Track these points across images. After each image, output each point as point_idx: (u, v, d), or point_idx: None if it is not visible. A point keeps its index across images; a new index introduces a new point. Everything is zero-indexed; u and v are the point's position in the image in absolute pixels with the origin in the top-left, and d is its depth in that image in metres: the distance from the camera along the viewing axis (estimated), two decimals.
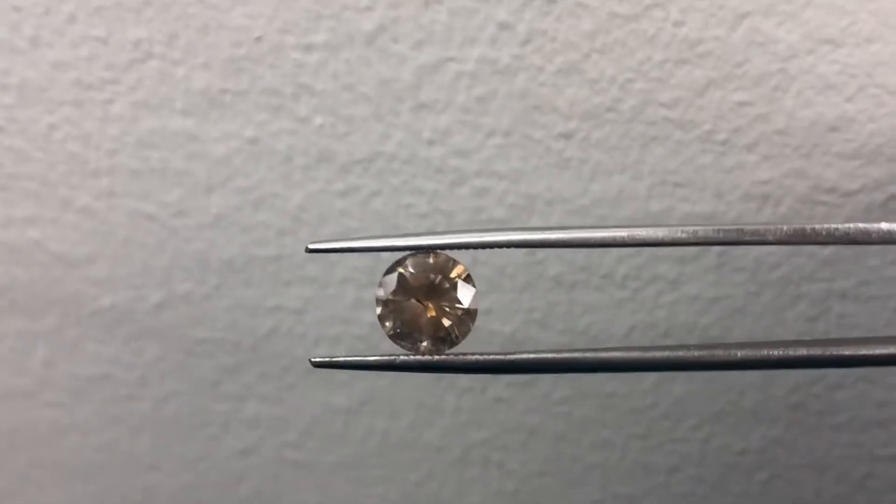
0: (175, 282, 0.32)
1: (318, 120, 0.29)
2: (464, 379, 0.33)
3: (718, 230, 0.19)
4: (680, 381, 0.32)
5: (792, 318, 0.31)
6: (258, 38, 0.29)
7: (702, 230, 0.19)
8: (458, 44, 0.28)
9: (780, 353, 0.19)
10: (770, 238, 0.20)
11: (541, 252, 0.31)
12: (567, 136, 0.29)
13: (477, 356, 0.19)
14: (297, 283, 0.32)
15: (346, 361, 0.20)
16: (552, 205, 0.30)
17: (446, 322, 0.19)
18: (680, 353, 0.19)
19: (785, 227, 0.20)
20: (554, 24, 0.28)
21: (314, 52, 0.29)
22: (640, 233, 0.19)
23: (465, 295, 0.19)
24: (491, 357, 0.20)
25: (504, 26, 0.28)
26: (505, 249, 0.30)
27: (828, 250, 0.30)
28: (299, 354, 0.33)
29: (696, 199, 0.29)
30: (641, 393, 0.33)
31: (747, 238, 0.19)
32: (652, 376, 0.32)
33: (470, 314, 0.19)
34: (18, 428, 0.35)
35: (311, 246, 0.20)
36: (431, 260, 0.19)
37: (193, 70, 0.29)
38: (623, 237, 0.19)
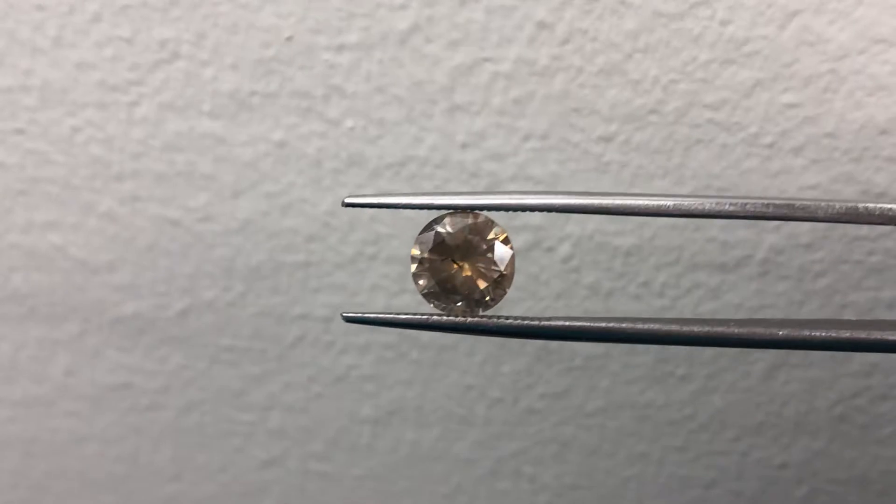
0: (200, 289, 0.31)
1: (349, 122, 0.29)
2: (494, 390, 0.32)
3: (768, 204, 0.19)
4: (719, 393, 0.31)
5: None
6: (288, 39, 0.28)
7: (751, 203, 0.19)
8: (494, 44, 0.27)
9: (823, 334, 0.19)
10: (820, 214, 0.19)
11: (576, 259, 0.30)
12: (607, 139, 0.28)
13: (510, 320, 0.19)
14: (326, 290, 0.31)
15: (378, 318, 0.20)
16: None
17: (482, 283, 0.19)
18: (719, 329, 0.19)
19: (837, 204, 0.19)
20: (595, 23, 0.27)
21: (346, 52, 0.28)
22: (686, 202, 0.19)
23: (503, 257, 0.19)
24: (524, 322, 0.19)
25: (543, 25, 0.27)
26: (542, 247, 0.29)
27: (875, 258, 0.29)
28: (326, 364, 0.32)
29: None
30: (679, 404, 0.32)
31: (797, 213, 0.19)
32: (690, 386, 0.31)
33: (506, 277, 0.19)
34: (37, 437, 0.34)
35: (348, 200, 0.19)
36: (470, 220, 0.19)
37: (221, 71, 0.28)
38: (668, 206, 0.19)
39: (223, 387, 0.33)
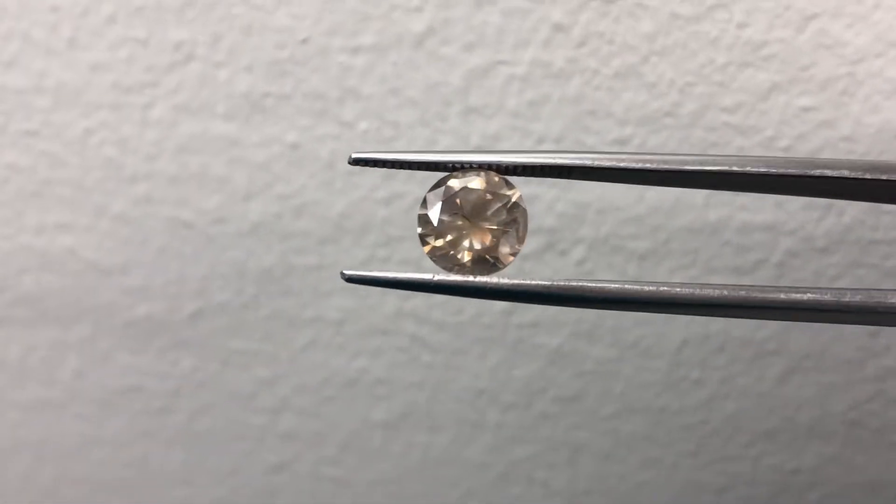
0: (212, 291, 0.31)
1: (363, 125, 0.28)
2: (507, 394, 0.32)
3: (790, 160, 0.18)
4: (732, 398, 0.31)
5: (852, 332, 0.30)
6: (303, 40, 0.28)
7: (773, 160, 0.18)
8: (510, 46, 0.27)
9: (860, 299, 0.18)
10: (847, 173, 0.18)
11: (590, 262, 0.30)
12: (622, 142, 0.28)
13: (517, 281, 0.18)
14: (337, 293, 0.31)
15: (380, 277, 0.18)
16: (604, 213, 0.29)
17: (491, 242, 0.18)
18: (742, 293, 0.18)
19: (861, 161, 0.18)
20: (612, 25, 0.27)
21: (361, 54, 0.28)
22: (708, 165, 0.18)
23: (515, 215, 0.18)
24: (532, 283, 0.18)
25: (559, 28, 0.27)
26: (556, 250, 0.29)
27: (891, 262, 0.29)
28: (338, 367, 0.32)
29: (756, 207, 0.28)
30: (692, 409, 0.32)
31: (817, 171, 0.18)
32: (704, 391, 0.31)
33: (518, 236, 0.18)
34: (47, 440, 0.34)
35: (355, 156, 0.18)
36: (482, 178, 0.18)
37: (236, 73, 0.28)
38: (691, 162, 0.18)
39: (234, 390, 0.33)
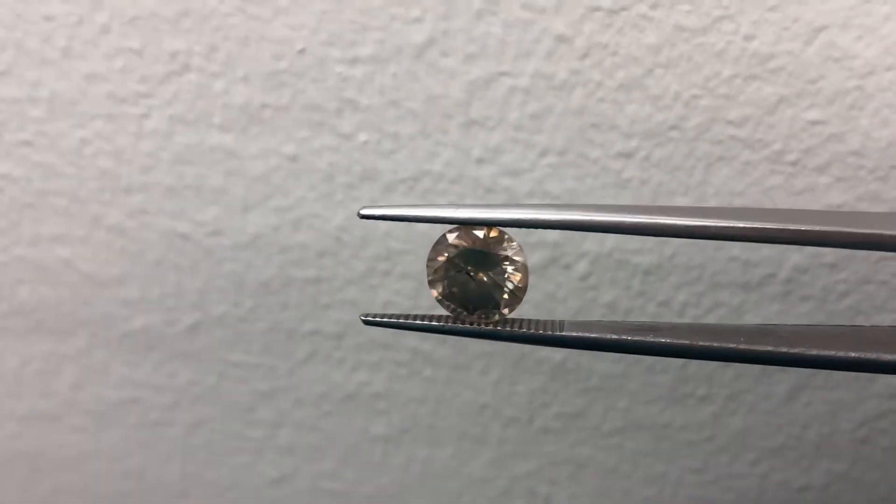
0: (209, 304, 0.31)
1: (363, 136, 0.28)
2: (509, 408, 0.31)
3: (783, 229, 0.18)
4: (739, 414, 0.31)
5: None
6: (301, 51, 0.27)
7: (769, 226, 0.18)
8: (511, 58, 0.27)
9: (833, 353, 0.18)
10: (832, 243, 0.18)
11: (594, 276, 0.29)
12: (626, 155, 0.27)
13: (525, 329, 0.19)
14: (336, 306, 0.30)
15: (396, 322, 0.20)
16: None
17: (496, 294, 0.19)
18: (730, 345, 0.19)
19: (856, 230, 0.18)
20: (615, 37, 0.26)
21: (359, 65, 0.27)
22: (700, 222, 0.18)
23: (516, 268, 0.19)
24: (539, 332, 0.19)
25: (562, 39, 0.26)
26: (560, 264, 0.29)
27: None
28: (337, 380, 0.32)
29: None
30: (698, 425, 0.31)
31: (811, 237, 0.18)
32: (710, 407, 0.31)
33: (519, 288, 0.20)
34: (43, 452, 0.34)
35: (364, 212, 0.19)
36: (484, 232, 0.19)
37: (233, 84, 0.28)
38: (679, 226, 0.18)
39: (232, 403, 0.32)
